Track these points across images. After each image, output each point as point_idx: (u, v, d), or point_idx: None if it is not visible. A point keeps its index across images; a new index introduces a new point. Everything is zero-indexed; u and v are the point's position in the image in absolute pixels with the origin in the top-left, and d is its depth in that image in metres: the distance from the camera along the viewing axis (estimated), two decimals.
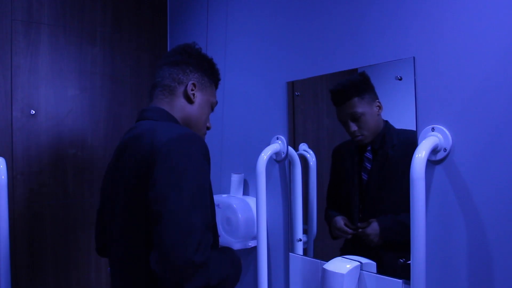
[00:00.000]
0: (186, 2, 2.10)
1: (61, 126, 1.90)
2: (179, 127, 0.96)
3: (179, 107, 1.07)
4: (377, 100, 1.15)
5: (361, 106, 1.19)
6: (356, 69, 1.21)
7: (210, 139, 1.84)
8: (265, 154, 1.40)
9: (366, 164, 1.20)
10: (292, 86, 1.43)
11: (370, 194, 1.19)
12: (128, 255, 0.94)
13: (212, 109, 1.17)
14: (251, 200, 1.56)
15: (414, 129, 1.06)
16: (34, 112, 1.83)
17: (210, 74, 1.15)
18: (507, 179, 0.89)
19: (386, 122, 1.15)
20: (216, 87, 1.20)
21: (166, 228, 0.79)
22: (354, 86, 1.21)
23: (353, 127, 1.20)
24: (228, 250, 1.03)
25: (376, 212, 1.17)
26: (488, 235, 0.92)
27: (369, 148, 1.20)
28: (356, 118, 1.20)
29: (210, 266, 0.81)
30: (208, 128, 1.17)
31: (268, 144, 1.47)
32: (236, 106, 1.71)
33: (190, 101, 1.08)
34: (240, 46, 1.70)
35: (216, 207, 1.57)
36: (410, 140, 1.06)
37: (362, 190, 1.21)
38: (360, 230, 1.19)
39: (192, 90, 1.08)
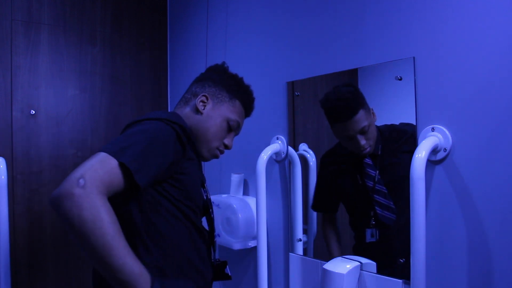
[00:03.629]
0: (186, 2, 2.10)
1: (61, 126, 1.90)
2: (162, 113, 0.99)
3: (188, 116, 1.08)
4: (371, 108, 1.14)
5: (366, 118, 1.15)
6: (356, 69, 1.21)
7: None
8: (265, 154, 1.39)
9: (368, 170, 1.19)
10: (292, 86, 1.43)
11: (378, 200, 1.17)
12: None
13: (231, 129, 1.11)
14: (251, 200, 1.56)
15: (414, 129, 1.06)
16: (34, 112, 1.83)
17: (234, 91, 1.12)
18: (507, 179, 0.89)
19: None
20: (244, 107, 1.14)
21: None
22: (356, 98, 1.16)
23: (363, 140, 1.16)
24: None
25: (387, 217, 1.15)
26: (488, 235, 0.92)
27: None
28: (365, 132, 1.16)
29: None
30: (226, 147, 1.12)
31: (268, 144, 1.47)
32: None
33: (198, 111, 1.08)
34: (240, 46, 1.70)
35: (216, 207, 1.58)
36: (397, 134, 1.09)
37: (369, 196, 1.18)
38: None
39: (202, 101, 1.08)
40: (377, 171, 1.16)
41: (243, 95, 1.14)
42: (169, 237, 0.94)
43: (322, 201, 1.35)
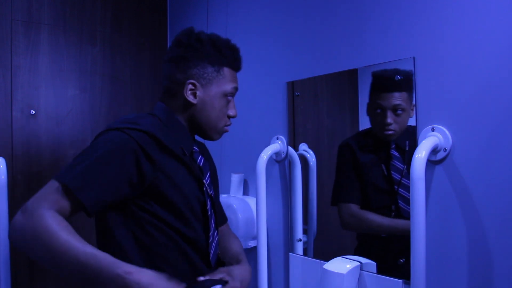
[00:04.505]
0: (186, 2, 2.10)
1: (61, 126, 1.90)
2: (121, 120, 0.94)
3: (181, 109, 1.01)
4: (414, 104, 1.11)
5: (406, 103, 1.13)
6: (356, 69, 1.21)
7: None
8: (265, 154, 1.39)
9: (396, 162, 1.17)
10: (292, 86, 1.43)
11: (403, 194, 1.14)
12: None
13: (231, 97, 1.04)
14: (251, 200, 1.56)
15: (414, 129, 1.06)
16: (34, 112, 1.83)
17: (217, 59, 1.00)
18: (507, 179, 0.89)
19: None
20: (234, 68, 1.05)
21: None
22: (409, 82, 1.14)
23: (390, 119, 1.15)
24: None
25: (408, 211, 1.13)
26: (488, 235, 0.92)
27: (393, 146, 1.17)
28: (397, 112, 1.15)
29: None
30: (231, 116, 1.05)
31: (268, 144, 1.47)
32: (236, 106, 1.71)
33: (189, 102, 0.99)
34: (240, 46, 1.69)
35: None
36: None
37: (394, 189, 1.15)
38: None
39: (191, 90, 0.99)
40: (405, 166, 1.14)
41: (228, 58, 1.03)
42: (157, 252, 0.90)
43: (351, 191, 1.28)
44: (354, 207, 1.26)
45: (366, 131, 1.24)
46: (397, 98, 1.15)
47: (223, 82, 1.01)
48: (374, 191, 1.23)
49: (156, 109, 1.02)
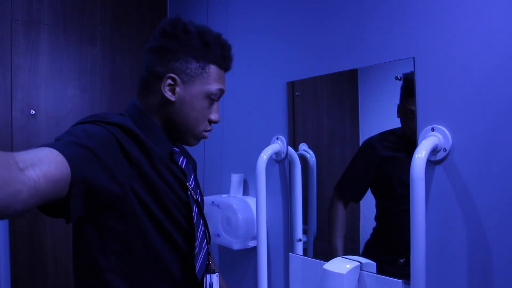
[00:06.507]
0: (186, 2, 2.11)
1: (61, 126, 1.90)
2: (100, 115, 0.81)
3: (156, 107, 0.88)
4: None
5: None
6: (356, 69, 1.21)
7: (210, 139, 1.84)
8: (265, 154, 1.39)
9: None
10: (292, 86, 1.43)
11: None
12: None
13: (215, 99, 0.90)
14: (251, 200, 1.56)
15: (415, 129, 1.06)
16: (34, 112, 1.83)
17: (204, 55, 0.87)
18: (507, 179, 0.89)
19: None
20: (222, 67, 0.91)
21: None
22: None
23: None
24: None
25: None
26: (488, 235, 0.92)
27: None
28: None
29: None
30: (213, 121, 0.92)
31: (268, 144, 1.47)
32: (236, 106, 1.71)
33: (167, 99, 0.87)
34: (240, 46, 1.69)
35: (216, 207, 1.58)
36: None
37: None
38: None
39: (170, 85, 0.87)
40: None
41: (216, 55, 0.89)
42: (139, 277, 0.82)
43: (351, 189, 1.28)
44: (340, 206, 1.32)
45: (393, 130, 1.17)
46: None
47: (208, 81, 0.88)
48: (400, 190, 1.16)
49: (129, 108, 0.90)
